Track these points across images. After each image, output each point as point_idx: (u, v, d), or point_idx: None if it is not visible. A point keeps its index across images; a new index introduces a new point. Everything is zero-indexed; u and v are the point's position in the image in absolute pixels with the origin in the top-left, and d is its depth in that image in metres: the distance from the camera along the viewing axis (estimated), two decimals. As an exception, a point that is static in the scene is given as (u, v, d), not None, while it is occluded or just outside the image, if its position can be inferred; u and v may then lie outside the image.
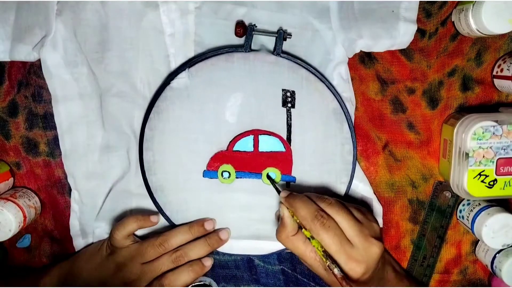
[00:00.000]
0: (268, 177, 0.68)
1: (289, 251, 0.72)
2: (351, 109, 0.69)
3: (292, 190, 0.65)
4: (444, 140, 0.69)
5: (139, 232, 0.70)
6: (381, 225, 0.72)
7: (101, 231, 0.71)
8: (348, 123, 0.68)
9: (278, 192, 0.64)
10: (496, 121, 0.63)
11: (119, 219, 0.70)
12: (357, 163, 0.69)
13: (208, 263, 0.69)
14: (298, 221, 0.60)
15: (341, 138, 0.68)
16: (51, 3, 0.65)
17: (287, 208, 0.61)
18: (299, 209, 0.60)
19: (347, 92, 0.68)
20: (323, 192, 0.66)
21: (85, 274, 0.67)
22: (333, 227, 0.58)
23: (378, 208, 0.72)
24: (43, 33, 0.66)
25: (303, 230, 0.60)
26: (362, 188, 0.71)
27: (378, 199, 0.72)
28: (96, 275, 0.67)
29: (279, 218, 0.63)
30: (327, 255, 0.58)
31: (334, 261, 0.58)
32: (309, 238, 0.59)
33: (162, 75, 0.67)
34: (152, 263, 0.66)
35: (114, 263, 0.66)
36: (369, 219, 0.62)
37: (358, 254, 0.58)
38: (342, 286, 0.56)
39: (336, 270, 0.56)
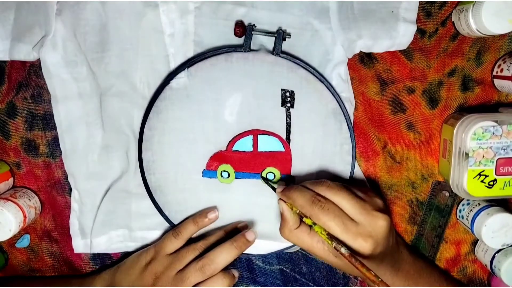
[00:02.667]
0: (263, 177, 0.68)
1: (288, 251, 0.72)
2: (350, 109, 0.69)
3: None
4: (444, 140, 0.69)
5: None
6: None
7: (99, 241, 0.72)
8: (347, 123, 0.67)
9: (274, 189, 0.64)
10: (496, 121, 0.63)
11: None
12: (356, 163, 0.69)
13: (237, 274, 0.69)
14: (298, 211, 0.60)
15: (340, 138, 0.68)
16: (51, 3, 0.65)
17: (285, 202, 0.61)
18: (296, 199, 0.59)
19: (346, 92, 0.68)
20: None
21: (126, 286, 0.67)
22: (333, 208, 0.57)
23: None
24: (43, 32, 0.66)
25: (304, 219, 0.59)
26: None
27: (377, 199, 0.72)
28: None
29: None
30: (332, 237, 0.57)
31: (340, 242, 0.57)
32: (311, 226, 0.59)
33: (161, 75, 0.67)
34: (180, 272, 0.65)
35: (152, 274, 0.66)
36: (370, 195, 0.61)
37: (363, 230, 0.57)
38: (352, 264, 0.55)
39: (343, 249, 0.55)
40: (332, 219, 0.57)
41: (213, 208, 0.69)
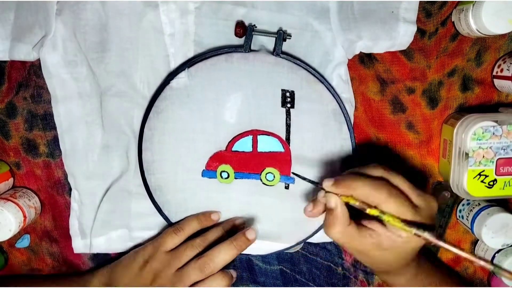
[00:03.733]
0: (294, 173, 0.66)
1: (289, 251, 0.72)
2: (351, 110, 0.69)
3: (296, 195, 0.66)
4: (444, 140, 0.69)
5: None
6: None
7: (98, 242, 0.72)
8: (347, 124, 0.68)
9: (315, 184, 0.60)
10: (496, 121, 0.63)
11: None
12: (356, 164, 0.69)
13: (235, 274, 0.68)
14: (357, 204, 0.55)
15: (340, 139, 0.68)
16: (51, 2, 0.65)
17: (338, 196, 0.55)
18: (358, 188, 0.54)
19: (347, 93, 0.68)
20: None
21: (124, 284, 0.67)
22: (397, 193, 0.54)
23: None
24: (43, 32, 0.66)
25: (369, 210, 0.54)
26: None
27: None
28: (135, 286, 0.66)
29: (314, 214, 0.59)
30: (410, 223, 0.53)
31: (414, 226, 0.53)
32: (376, 217, 0.54)
33: (161, 75, 0.67)
34: (179, 270, 0.64)
35: (150, 273, 0.65)
36: (426, 198, 0.57)
37: (425, 213, 0.55)
38: (439, 246, 0.54)
39: (426, 234, 0.53)
40: (402, 204, 0.53)
41: (217, 211, 0.69)
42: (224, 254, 0.64)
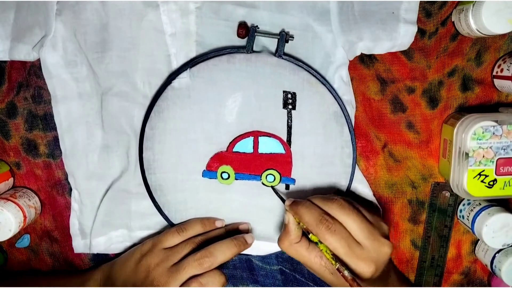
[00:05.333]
0: (273, 188, 0.68)
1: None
2: (352, 112, 0.69)
3: (296, 196, 0.65)
4: (444, 140, 0.69)
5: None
6: None
7: (98, 242, 0.72)
8: (348, 126, 0.68)
9: (283, 200, 0.65)
10: (496, 121, 0.64)
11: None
12: (356, 166, 0.69)
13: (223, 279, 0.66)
14: (304, 227, 0.59)
15: (341, 141, 0.68)
16: (51, 3, 0.65)
17: (292, 216, 0.60)
18: (303, 215, 0.59)
19: (348, 95, 0.68)
20: (325, 193, 0.67)
21: (121, 280, 0.67)
22: (339, 230, 0.57)
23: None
24: (43, 32, 0.65)
25: (310, 235, 0.59)
26: (361, 190, 0.71)
27: (377, 199, 0.72)
28: (131, 282, 0.66)
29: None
30: (336, 258, 0.57)
31: (343, 264, 0.57)
32: (316, 243, 0.59)
33: (163, 74, 0.67)
34: (177, 264, 0.64)
35: (146, 267, 0.65)
36: (377, 219, 0.61)
37: (368, 255, 0.57)
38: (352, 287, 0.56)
39: (346, 273, 0.56)
40: (338, 241, 0.56)
41: (221, 219, 0.70)
42: (224, 250, 0.64)
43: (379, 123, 0.71)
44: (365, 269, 0.57)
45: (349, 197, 0.66)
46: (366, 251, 0.57)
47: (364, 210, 0.61)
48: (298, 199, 0.62)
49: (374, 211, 0.63)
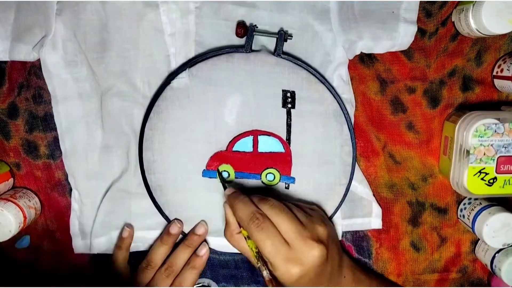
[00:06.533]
0: (219, 172, 0.68)
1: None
2: (351, 111, 0.69)
3: (297, 196, 0.67)
4: (445, 137, 0.69)
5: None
6: (380, 226, 0.72)
7: (99, 242, 0.72)
8: (348, 125, 0.68)
9: (225, 188, 0.66)
10: (498, 119, 0.64)
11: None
12: (356, 165, 0.69)
13: (202, 251, 0.69)
14: (237, 221, 0.62)
15: (341, 139, 0.68)
16: (51, 3, 0.65)
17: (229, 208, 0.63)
18: (237, 210, 0.61)
19: (347, 94, 0.68)
20: (322, 195, 0.68)
21: None
22: (268, 228, 0.58)
23: (377, 210, 0.72)
24: (43, 33, 0.66)
25: (241, 229, 0.62)
26: (361, 189, 0.71)
27: (377, 200, 0.72)
28: None
29: None
30: (260, 257, 0.59)
31: (265, 263, 0.59)
32: (245, 238, 0.61)
33: (162, 75, 0.67)
34: (150, 283, 0.68)
35: None
36: (313, 221, 0.61)
37: (295, 256, 0.57)
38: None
39: (264, 273, 0.59)
40: (264, 239, 0.57)
41: (175, 223, 0.70)
42: (181, 255, 0.69)
43: (379, 123, 0.71)
44: (291, 270, 0.57)
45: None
46: (294, 251, 0.58)
47: (298, 211, 0.61)
48: (238, 191, 0.63)
49: (315, 214, 0.63)
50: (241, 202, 0.61)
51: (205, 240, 0.71)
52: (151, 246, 0.71)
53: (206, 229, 0.70)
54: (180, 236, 0.70)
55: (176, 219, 0.70)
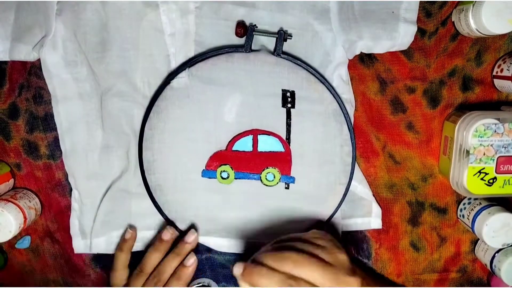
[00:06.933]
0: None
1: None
2: (351, 110, 0.69)
3: (296, 196, 0.67)
4: (445, 137, 0.69)
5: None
6: (380, 226, 0.72)
7: (99, 242, 0.72)
8: (347, 124, 0.68)
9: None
10: (498, 119, 0.64)
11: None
12: (356, 165, 0.69)
13: (189, 262, 0.69)
14: None
15: (341, 139, 0.68)
16: (51, 3, 0.65)
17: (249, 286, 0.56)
18: (263, 286, 0.54)
19: (347, 93, 0.69)
20: (322, 195, 0.68)
21: None
22: None
23: (377, 210, 0.72)
24: (43, 33, 0.66)
25: None
26: (361, 189, 0.71)
27: (377, 200, 0.72)
28: None
29: None
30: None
31: None
32: None
33: (162, 74, 0.67)
34: None
35: None
36: (335, 254, 0.58)
37: (338, 270, 0.56)
38: None
39: None
40: (313, 275, 0.54)
41: (167, 230, 0.70)
42: (169, 263, 0.69)
43: (378, 123, 0.71)
44: None
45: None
46: (335, 266, 0.56)
47: (320, 250, 0.58)
48: (249, 264, 0.56)
49: (327, 243, 0.60)
50: (261, 275, 0.54)
51: (197, 247, 0.71)
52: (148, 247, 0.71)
53: (196, 237, 0.70)
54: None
55: (168, 225, 0.70)
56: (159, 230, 0.72)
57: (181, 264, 0.69)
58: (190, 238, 0.69)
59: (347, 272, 0.57)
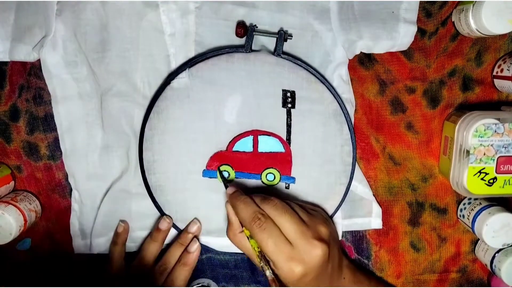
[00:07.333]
0: (219, 171, 0.68)
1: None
2: (351, 110, 0.69)
3: (297, 196, 0.67)
4: (445, 137, 0.69)
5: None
6: (380, 226, 0.72)
7: (99, 242, 0.72)
8: (348, 124, 0.68)
9: (226, 187, 0.66)
10: (498, 119, 0.64)
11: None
12: (356, 165, 0.69)
13: (193, 248, 0.70)
14: (239, 220, 0.62)
15: (341, 139, 0.68)
16: (51, 3, 0.65)
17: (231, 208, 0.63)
18: (239, 210, 0.61)
19: (347, 93, 0.68)
20: (322, 195, 0.68)
21: None
22: (270, 228, 0.58)
23: (377, 210, 0.72)
24: (43, 33, 0.66)
25: (243, 229, 0.62)
26: (361, 189, 0.71)
27: (377, 200, 0.72)
28: None
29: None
30: (262, 256, 0.60)
31: (268, 262, 0.60)
32: (248, 237, 0.62)
33: (162, 75, 0.67)
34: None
35: None
36: (316, 221, 0.62)
37: (297, 255, 0.58)
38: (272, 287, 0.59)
39: (267, 272, 0.59)
40: (267, 239, 0.58)
41: (164, 219, 0.70)
42: (173, 253, 0.70)
43: (378, 125, 0.71)
44: (294, 268, 0.58)
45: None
46: (296, 251, 0.58)
47: (301, 211, 0.62)
48: (240, 191, 0.64)
49: (317, 214, 0.64)
50: (243, 202, 0.61)
51: (197, 238, 0.71)
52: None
53: (199, 227, 0.70)
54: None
55: (165, 215, 0.70)
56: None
57: (185, 251, 0.70)
58: (193, 228, 0.70)
59: (316, 237, 0.59)
